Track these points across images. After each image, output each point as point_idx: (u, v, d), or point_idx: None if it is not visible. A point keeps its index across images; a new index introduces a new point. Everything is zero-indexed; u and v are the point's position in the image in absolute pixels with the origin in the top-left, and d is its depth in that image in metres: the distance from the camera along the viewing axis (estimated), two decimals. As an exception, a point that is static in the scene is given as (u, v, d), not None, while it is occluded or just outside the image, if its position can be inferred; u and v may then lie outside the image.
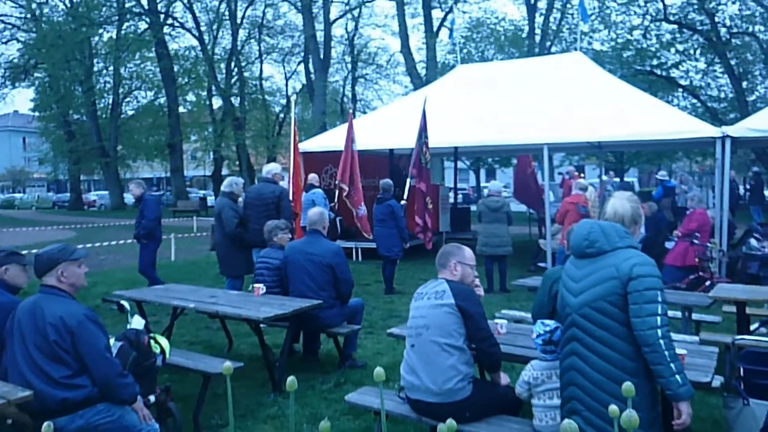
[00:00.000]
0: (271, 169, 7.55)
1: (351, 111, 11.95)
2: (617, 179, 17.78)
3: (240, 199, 7.30)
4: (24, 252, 3.84)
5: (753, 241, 9.16)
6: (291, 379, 1.51)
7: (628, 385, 1.63)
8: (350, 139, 10.11)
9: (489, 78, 12.92)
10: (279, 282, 5.47)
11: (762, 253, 8.40)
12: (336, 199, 10.66)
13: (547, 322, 3.12)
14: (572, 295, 2.69)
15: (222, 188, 7.31)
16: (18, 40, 31.69)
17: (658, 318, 2.47)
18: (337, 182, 10.28)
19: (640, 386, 2.46)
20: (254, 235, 7.00)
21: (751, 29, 22.45)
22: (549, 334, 3.07)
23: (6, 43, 31.71)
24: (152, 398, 3.56)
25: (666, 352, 2.46)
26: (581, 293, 2.65)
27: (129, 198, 41.02)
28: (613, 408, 1.50)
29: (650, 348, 2.46)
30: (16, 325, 3.09)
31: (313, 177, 10.06)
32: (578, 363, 2.64)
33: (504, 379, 3.51)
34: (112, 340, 3.38)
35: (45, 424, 1.49)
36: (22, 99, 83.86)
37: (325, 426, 1.36)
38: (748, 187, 20.07)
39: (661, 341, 2.45)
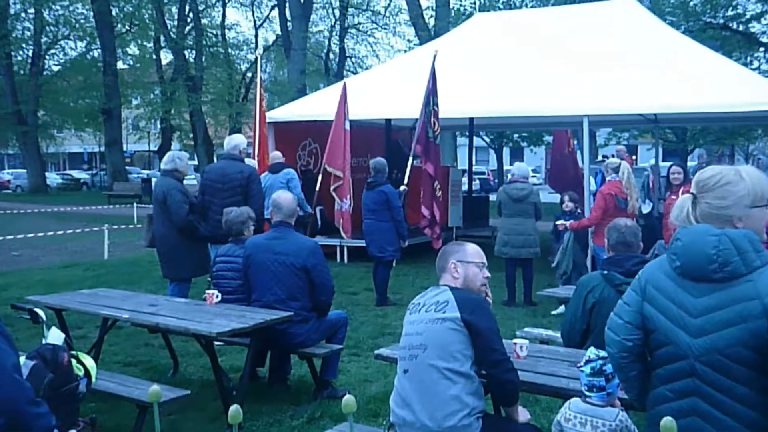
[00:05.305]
0: (237, 143, 7.42)
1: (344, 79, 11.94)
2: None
3: (194, 181, 7.28)
4: None
5: None
6: (234, 408, 1.51)
7: None
8: (342, 114, 10.14)
9: (515, 30, 12.91)
10: (245, 287, 5.50)
11: None
12: (318, 185, 10.69)
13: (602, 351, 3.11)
14: (688, 334, 2.46)
15: (162, 165, 7.19)
16: None
17: None
18: (324, 165, 10.31)
19: None
20: (216, 228, 6.98)
21: None
22: (602, 362, 3.07)
23: None
24: (73, 433, 3.58)
25: None
26: (705, 334, 2.42)
27: (53, 179, 41.10)
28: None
29: None
30: None
31: (276, 155, 9.96)
32: (704, 427, 2.45)
33: (523, 414, 3.51)
34: (22, 359, 3.38)
35: None
36: None
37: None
38: None
39: None
